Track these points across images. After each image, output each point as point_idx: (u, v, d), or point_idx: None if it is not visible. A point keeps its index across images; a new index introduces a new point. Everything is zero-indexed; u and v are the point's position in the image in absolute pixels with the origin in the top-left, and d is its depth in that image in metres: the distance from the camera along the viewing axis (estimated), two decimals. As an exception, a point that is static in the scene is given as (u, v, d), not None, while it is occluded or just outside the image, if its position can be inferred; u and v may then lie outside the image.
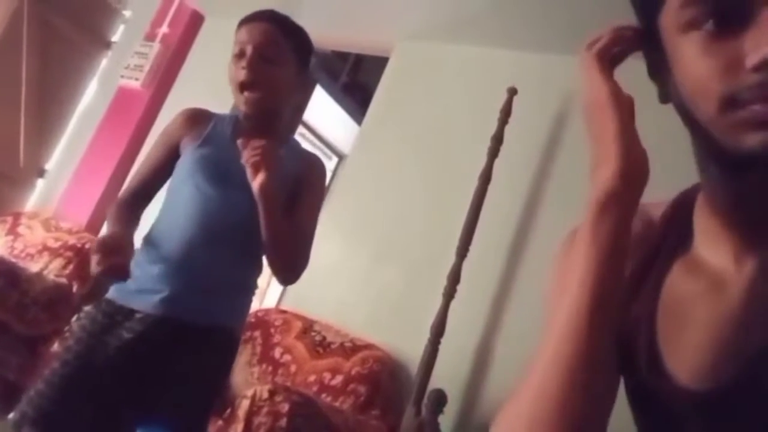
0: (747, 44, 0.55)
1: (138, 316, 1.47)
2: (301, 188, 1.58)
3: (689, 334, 0.64)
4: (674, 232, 0.70)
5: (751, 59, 0.54)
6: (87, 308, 1.54)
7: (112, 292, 1.53)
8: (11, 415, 1.45)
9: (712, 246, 0.66)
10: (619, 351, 0.69)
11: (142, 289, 1.48)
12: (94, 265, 1.32)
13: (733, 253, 0.64)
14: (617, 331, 0.68)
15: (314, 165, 1.66)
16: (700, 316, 0.64)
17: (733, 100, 0.55)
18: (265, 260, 1.56)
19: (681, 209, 0.71)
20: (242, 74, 1.50)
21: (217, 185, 1.51)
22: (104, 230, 1.54)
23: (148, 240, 1.56)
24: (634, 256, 0.70)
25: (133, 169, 1.67)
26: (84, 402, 1.42)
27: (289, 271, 1.55)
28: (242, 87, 1.51)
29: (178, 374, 1.46)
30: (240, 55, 1.52)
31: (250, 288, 1.61)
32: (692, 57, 0.59)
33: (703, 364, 0.62)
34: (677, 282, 0.67)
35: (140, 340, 1.46)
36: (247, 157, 1.42)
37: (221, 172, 1.51)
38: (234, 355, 1.60)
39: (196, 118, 1.61)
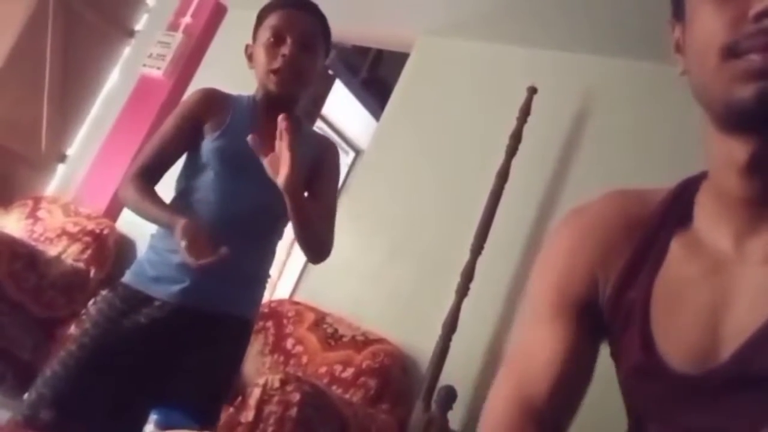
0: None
1: (156, 303, 1.48)
2: (320, 170, 1.60)
3: (685, 316, 0.64)
4: (674, 216, 0.69)
5: (754, 8, 0.56)
6: (104, 292, 1.54)
7: (130, 277, 1.54)
8: (26, 396, 1.47)
9: (713, 228, 0.66)
10: (610, 336, 0.69)
11: (161, 277, 1.49)
12: (195, 257, 1.33)
13: (733, 236, 0.64)
14: (608, 318, 0.69)
15: (329, 147, 1.68)
16: (697, 298, 0.64)
17: (733, 49, 0.57)
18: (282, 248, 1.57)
19: (682, 195, 0.71)
20: (280, 61, 1.51)
21: (237, 176, 1.52)
22: (139, 207, 1.50)
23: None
24: (631, 240, 0.70)
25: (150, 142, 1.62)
26: (99, 385, 1.43)
27: (319, 251, 1.57)
28: (276, 72, 1.52)
29: (193, 362, 1.47)
30: (278, 40, 1.52)
31: (265, 278, 1.63)
32: (703, 13, 0.61)
33: (698, 347, 0.62)
34: (675, 265, 0.67)
35: (157, 327, 1.47)
36: (268, 159, 1.40)
37: (241, 162, 1.51)
38: (247, 345, 1.61)
39: (217, 102, 1.60)
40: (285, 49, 1.51)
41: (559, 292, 0.72)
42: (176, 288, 1.47)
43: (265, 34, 1.54)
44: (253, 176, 1.45)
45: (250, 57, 1.60)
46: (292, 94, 1.58)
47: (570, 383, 0.69)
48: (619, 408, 0.72)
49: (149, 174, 1.55)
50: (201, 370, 1.47)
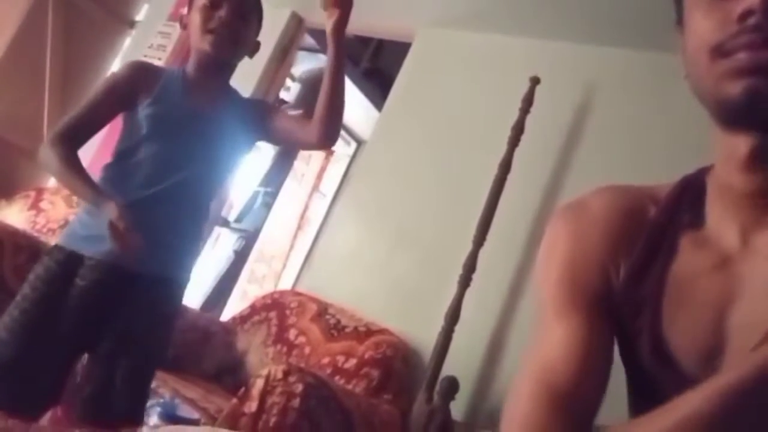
0: (739, 1, 0.59)
1: (89, 263, 1.53)
2: (267, 114, 1.70)
3: (693, 311, 0.64)
4: (681, 211, 0.70)
5: (738, 9, 0.58)
6: (42, 256, 1.59)
7: (63, 239, 1.59)
8: None
9: (719, 223, 0.67)
10: (620, 336, 0.69)
11: (92, 236, 1.53)
12: (118, 242, 1.40)
13: (739, 231, 0.65)
14: (618, 317, 0.68)
15: (259, 102, 1.81)
16: (705, 293, 0.64)
17: (721, 49, 0.59)
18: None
19: (688, 189, 0.71)
20: (217, 22, 1.57)
21: (169, 141, 1.57)
22: (62, 176, 1.57)
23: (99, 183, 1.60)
24: (639, 235, 0.70)
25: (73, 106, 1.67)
26: (43, 347, 1.49)
27: (338, 123, 1.65)
28: (212, 32, 1.58)
29: (125, 321, 1.53)
30: (214, 5, 1.59)
31: (197, 239, 1.69)
32: (696, 16, 0.63)
33: (705, 341, 0.62)
34: (685, 261, 0.67)
35: (93, 287, 1.52)
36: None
37: (171, 128, 1.58)
38: (178, 305, 1.67)
39: (147, 73, 1.65)
40: (221, 12, 1.58)
41: (572, 285, 0.71)
42: (107, 246, 1.49)
43: (201, 0, 1.60)
44: (184, 142, 1.53)
45: (184, 26, 1.67)
46: (227, 56, 1.64)
47: (594, 373, 0.67)
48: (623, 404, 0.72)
49: (73, 139, 1.59)
50: (132, 328, 1.53)
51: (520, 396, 0.67)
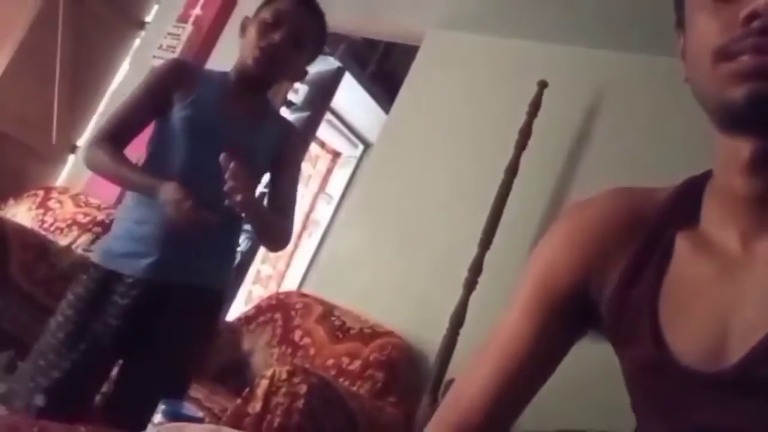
0: (743, 3, 0.58)
1: (128, 281, 1.52)
2: (282, 157, 1.67)
3: (694, 316, 0.64)
4: (679, 214, 0.69)
5: (743, 12, 0.57)
6: (79, 276, 1.58)
7: (99, 257, 1.58)
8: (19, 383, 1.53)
9: (719, 228, 0.66)
10: (614, 334, 0.69)
11: (129, 253, 1.53)
12: (181, 218, 1.39)
13: (740, 235, 0.64)
14: (611, 316, 0.69)
15: (291, 132, 1.75)
16: (706, 298, 0.64)
17: (724, 52, 0.58)
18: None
19: (687, 193, 0.71)
20: (269, 42, 1.55)
21: (204, 147, 1.53)
22: (112, 171, 1.56)
23: (133, 198, 1.59)
24: (635, 237, 0.70)
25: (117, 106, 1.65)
26: (85, 365, 1.49)
27: (278, 243, 1.70)
28: (262, 50, 1.56)
29: (165, 333, 1.52)
30: (275, 24, 1.56)
31: (233, 249, 1.69)
32: (699, 19, 0.62)
33: (707, 347, 0.62)
34: (682, 264, 0.67)
35: (132, 305, 1.51)
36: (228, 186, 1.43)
37: (207, 134, 1.55)
38: (219, 315, 1.68)
39: (186, 73, 1.63)
40: (277, 35, 1.55)
41: (544, 284, 0.73)
42: (144, 262, 1.50)
43: (265, 14, 1.58)
44: (218, 150, 1.46)
45: (243, 28, 1.64)
46: (267, 77, 1.63)
47: (526, 379, 0.73)
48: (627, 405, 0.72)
49: (116, 139, 1.57)
50: (172, 340, 1.52)
51: (473, 378, 0.74)
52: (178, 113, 1.56)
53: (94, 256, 1.60)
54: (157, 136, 1.61)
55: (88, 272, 1.57)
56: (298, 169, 1.74)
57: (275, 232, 1.64)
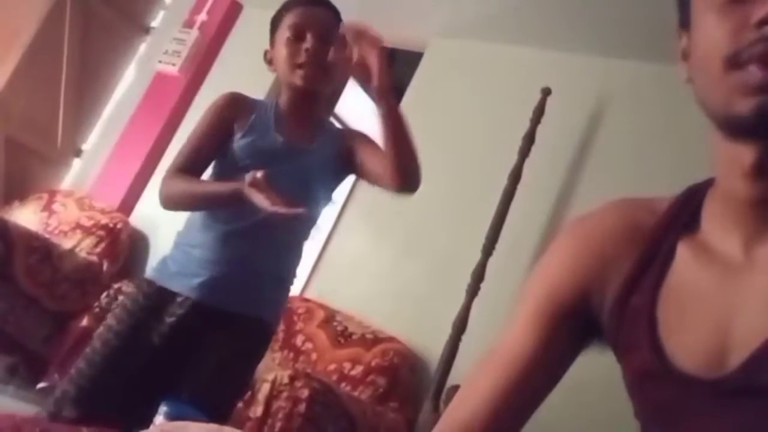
0: (756, 5, 0.56)
1: (178, 299, 1.49)
2: (357, 148, 1.62)
3: (694, 322, 0.64)
4: (680, 222, 0.69)
5: (756, 15, 0.56)
6: (125, 287, 1.56)
7: (152, 273, 1.56)
8: (52, 391, 1.50)
9: (721, 234, 0.66)
10: (616, 343, 0.69)
11: (181, 272, 1.51)
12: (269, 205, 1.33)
13: (742, 241, 0.64)
14: (612, 325, 0.69)
15: (355, 133, 1.73)
16: (706, 304, 0.63)
17: (734, 60, 0.57)
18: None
19: (689, 201, 0.70)
20: (304, 55, 1.51)
21: (268, 169, 1.49)
22: (192, 192, 1.53)
23: (191, 223, 1.58)
24: (636, 247, 0.70)
25: (174, 147, 1.62)
26: (122, 382, 1.45)
27: (416, 170, 1.61)
28: (302, 66, 1.52)
29: (210, 358, 1.48)
30: (298, 37, 1.53)
31: (289, 280, 1.62)
32: (707, 21, 0.61)
33: (707, 353, 0.62)
34: (683, 270, 0.66)
35: (180, 324, 1.48)
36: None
37: (266, 161, 1.50)
38: (267, 346, 1.60)
39: (242, 104, 1.61)
40: (307, 44, 1.52)
41: (547, 299, 0.73)
42: (195, 281, 1.48)
43: (284, 34, 1.55)
44: (277, 176, 1.42)
45: (270, 61, 1.61)
46: (319, 88, 1.59)
47: (530, 390, 0.72)
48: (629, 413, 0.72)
49: (190, 170, 1.55)
50: (217, 365, 1.48)
51: (475, 388, 0.74)
52: (236, 143, 1.55)
53: (148, 273, 1.59)
54: (217, 168, 1.59)
55: (138, 287, 1.55)
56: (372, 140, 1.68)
57: (411, 147, 1.57)
